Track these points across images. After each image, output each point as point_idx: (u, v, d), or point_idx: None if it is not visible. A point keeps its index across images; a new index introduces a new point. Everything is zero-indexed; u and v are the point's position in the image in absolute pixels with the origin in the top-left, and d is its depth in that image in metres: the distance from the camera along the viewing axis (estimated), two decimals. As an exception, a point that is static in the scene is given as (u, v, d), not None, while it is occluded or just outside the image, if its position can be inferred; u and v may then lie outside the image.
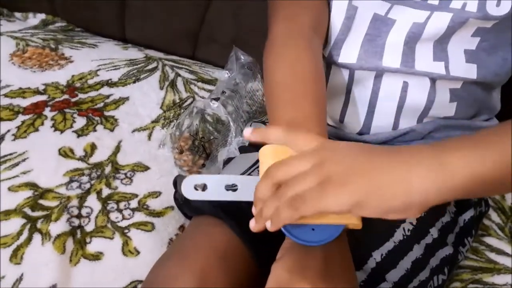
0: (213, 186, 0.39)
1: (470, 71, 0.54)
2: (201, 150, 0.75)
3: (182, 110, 0.80)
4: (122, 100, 0.79)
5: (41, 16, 1.04)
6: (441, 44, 0.53)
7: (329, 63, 0.57)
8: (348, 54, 0.55)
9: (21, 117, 0.73)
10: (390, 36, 0.53)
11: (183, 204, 0.58)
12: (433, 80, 0.54)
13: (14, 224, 0.60)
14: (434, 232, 0.53)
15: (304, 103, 0.46)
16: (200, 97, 0.84)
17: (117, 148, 0.71)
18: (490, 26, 0.51)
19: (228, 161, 0.64)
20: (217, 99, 0.70)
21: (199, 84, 0.87)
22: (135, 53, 0.92)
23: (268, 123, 0.49)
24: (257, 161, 0.54)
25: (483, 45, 0.53)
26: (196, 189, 0.39)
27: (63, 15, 1.05)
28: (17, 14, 1.06)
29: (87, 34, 1.01)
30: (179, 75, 0.88)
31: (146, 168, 0.69)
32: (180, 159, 0.72)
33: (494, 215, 0.67)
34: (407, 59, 0.53)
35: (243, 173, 0.58)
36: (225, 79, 0.80)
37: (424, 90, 0.54)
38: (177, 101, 0.81)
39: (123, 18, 0.99)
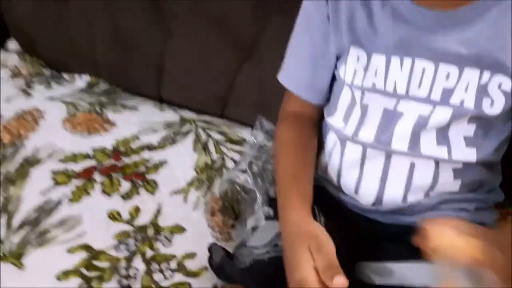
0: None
1: (470, 154, 0.60)
2: (231, 211, 0.83)
3: (213, 172, 0.89)
4: (161, 164, 0.89)
5: (87, 77, 1.15)
6: (442, 131, 0.59)
7: (345, 139, 0.65)
8: (364, 135, 0.63)
9: (74, 181, 0.84)
10: (398, 125, 0.60)
11: (218, 270, 0.67)
12: (437, 162, 0.60)
13: (72, 283, 0.70)
14: None
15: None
16: (229, 158, 0.93)
17: (158, 211, 0.80)
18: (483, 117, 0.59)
19: (255, 228, 0.72)
20: (244, 171, 0.79)
21: (228, 145, 0.95)
22: (171, 115, 1.02)
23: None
24: None
25: (479, 132, 0.60)
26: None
27: (105, 74, 1.15)
28: (65, 75, 1.18)
29: (127, 95, 1.11)
30: (210, 136, 0.96)
31: (183, 229, 0.78)
32: (212, 220, 0.81)
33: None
34: (413, 145, 0.60)
35: (268, 242, 0.66)
36: (251, 145, 0.89)
37: (429, 171, 0.60)
38: (209, 163, 0.90)
39: (160, 80, 1.09)
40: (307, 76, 0.67)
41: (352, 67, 0.61)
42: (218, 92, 1.04)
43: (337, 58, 0.65)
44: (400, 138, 0.61)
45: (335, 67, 0.66)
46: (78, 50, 1.14)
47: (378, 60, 0.59)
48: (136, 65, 1.09)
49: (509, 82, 0.55)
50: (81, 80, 1.15)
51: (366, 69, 0.60)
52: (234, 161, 0.92)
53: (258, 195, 0.75)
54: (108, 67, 1.13)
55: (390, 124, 0.61)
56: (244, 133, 0.99)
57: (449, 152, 0.59)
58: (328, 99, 0.69)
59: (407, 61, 0.58)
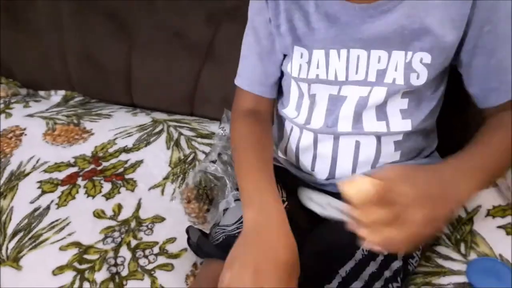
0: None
1: (406, 125, 0.67)
2: (205, 197, 0.92)
3: (186, 165, 0.97)
4: (138, 163, 0.96)
5: (62, 92, 1.23)
6: (380, 108, 0.66)
7: (299, 127, 0.74)
8: (315, 122, 0.70)
9: (60, 188, 0.92)
10: (343, 108, 0.67)
11: (196, 249, 0.75)
12: (378, 137, 0.67)
13: (67, 277, 0.77)
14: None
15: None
16: (200, 151, 1.01)
17: (139, 205, 0.88)
18: (413, 90, 0.66)
19: (226, 209, 0.80)
20: (214, 162, 0.87)
21: (199, 139, 1.03)
22: (143, 118, 1.10)
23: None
24: None
25: (412, 104, 0.68)
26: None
27: (79, 89, 1.23)
28: (41, 93, 1.25)
29: (102, 104, 1.19)
30: (182, 133, 1.05)
31: (163, 219, 0.86)
32: (189, 207, 0.89)
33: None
34: (356, 124, 0.67)
35: (237, 220, 0.74)
36: (220, 137, 0.97)
37: (372, 146, 0.68)
38: (182, 157, 0.98)
39: (130, 87, 1.17)
40: (258, 74, 0.73)
41: (297, 63, 0.67)
42: (184, 93, 1.12)
43: (283, 56, 0.72)
44: (344, 120, 0.67)
45: (282, 64, 0.72)
46: (51, 69, 1.21)
47: (319, 54, 0.65)
48: (106, 76, 1.16)
49: (428, 56, 0.62)
50: (56, 96, 1.23)
51: (309, 63, 0.66)
52: (205, 153, 1.00)
53: (227, 181, 0.83)
54: (81, 81, 1.21)
55: (336, 108, 0.67)
56: (213, 127, 1.07)
57: (388, 125, 0.66)
58: (280, 93, 0.76)
59: (343, 52, 0.64)
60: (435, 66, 0.63)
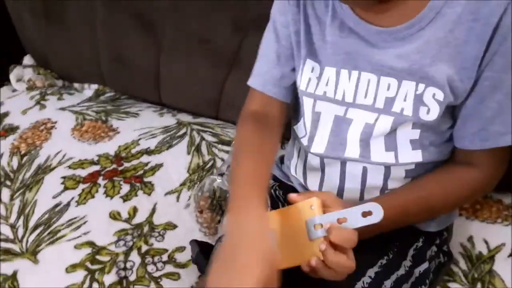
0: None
1: (416, 156, 0.63)
2: (218, 208, 0.92)
3: (204, 172, 0.98)
4: (158, 167, 0.98)
5: (94, 86, 1.26)
6: (390, 137, 0.62)
7: (306, 149, 0.71)
8: (318, 146, 0.67)
9: (81, 186, 0.95)
10: (349, 132, 0.64)
11: (195, 264, 0.76)
12: (388, 167, 0.64)
13: (78, 276, 0.80)
14: (387, 284, 0.64)
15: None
16: (220, 158, 1.01)
17: (153, 210, 0.90)
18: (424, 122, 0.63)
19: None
20: (222, 174, 0.87)
21: (219, 146, 1.03)
22: (169, 119, 1.11)
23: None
24: None
25: (424, 135, 0.64)
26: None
27: (110, 84, 1.25)
28: (76, 85, 1.29)
29: (131, 101, 1.21)
30: (204, 138, 1.05)
31: (175, 226, 0.87)
32: (201, 217, 0.90)
33: (462, 262, 0.78)
34: (364, 152, 0.64)
35: None
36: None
37: (380, 174, 0.65)
38: (201, 164, 0.99)
39: (158, 86, 1.18)
40: (273, 74, 0.69)
41: (307, 76, 0.65)
42: (209, 98, 1.13)
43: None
44: (352, 146, 0.64)
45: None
46: (85, 64, 1.25)
47: (330, 72, 0.64)
48: (136, 74, 1.19)
49: (441, 93, 0.60)
50: (90, 89, 1.26)
51: (319, 78, 0.64)
52: (223, 161, 1.00)
53: None
54: (112, 78, 1.24)
55: (341, 130, 0.64)
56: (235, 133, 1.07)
57: (396, 157, 0.63)
58: (296, 106, 0.74)
59: (354, 74, 0.62)
60: (449, 103, 0.61)
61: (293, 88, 0.70)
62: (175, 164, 0.99)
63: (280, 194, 0.78)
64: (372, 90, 0.61)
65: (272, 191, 0.79)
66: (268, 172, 0.63)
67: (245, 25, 1.00)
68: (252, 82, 0.72)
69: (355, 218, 0.51)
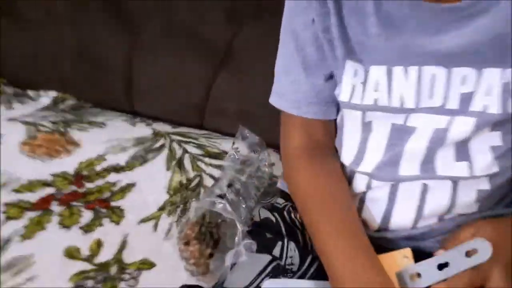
0: None
1: (495, 167, 0.51)
2: (208, 237, 0.73)
3: (188, 193, 0.79)
4: (129, 187, 0.80)
5: (53, 93, 1.06)
6: (463, 144, 0.50)
7: (350, 168, 0.56)
8: (367, 164, 0.54)
9: (28, 214, 0.74)
10: (409, 144, 0.51)
11: None
12: (455, 182, 0.52)
13: None
14: None
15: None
16: (208, 174, 0.83)
17: (123, 244, 0.71)
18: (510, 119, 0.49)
19: (235, 264, 0.61)
20: (222, 196, 0.68)
21: (207, 159, 0.86)
22: (143, 130, 0.93)
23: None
24: (268, 264, 0.55)
25: (507, 139, 0.50)
26: None
27: (72, 90, 1.07)
28: (30, 92, 1.09)
29: (97, 110, 1.02)
30: (187, 151, 0.87)
31: (152, 265, 0.68)
32: (187, 250, 0.70)
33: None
34: (427, 166, 0.51)
35: (251, 283, 0.55)
36: (232, 160, 0.78)
37: (446, 192, 0.52)
38: (184, 182, 0.81)
39: (131, 92, 1.01)
40: (304, 90, 0.56)
41: (348, 84, 0.53)
42: (194, 102, 0.97)
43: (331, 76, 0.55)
44: (410, 160, 0.52)
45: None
46: (42, 66, 1.07)
47: (378, 72, 0.51)
48: (104, 78, 1.02)
49: None
50: (47, 97, 1.06)
51: (364, 84, 0.52)
52: (214, 178, 0.82)
53: (238, 226, 0.64)
54: (74, 83, 1.06)
55: (401, 142, 0.52)
56: (225, 145, 0.90)
57: (471, 167, 0.51)
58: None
59: (413, 70, 0.49)
60: None
61: (334, 99, 0.57)
62: (151, 183, 0.81)
63: (297, 217, 0.61)
64: (440, 88, 0.49)
65: (285, 213, 0.62)
66: (355, 216, 0.54)
67: (239, 15, 0.89)
68: (279, 103, 0.58)
69: (459, 260, 0.44)
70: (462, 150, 0.50)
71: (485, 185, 0.52)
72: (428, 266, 0.46)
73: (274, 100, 0.58)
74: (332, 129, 0.59)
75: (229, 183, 0.71)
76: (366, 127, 0.53)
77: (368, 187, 0.55)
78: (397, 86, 0.50)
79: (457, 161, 0.51)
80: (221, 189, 0.70)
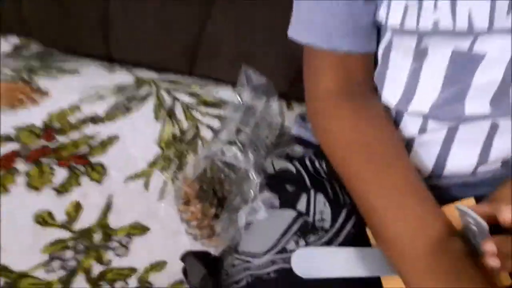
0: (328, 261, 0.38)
1: None
2: (212, 196, 0.62)
3: (183, 145, 0.68)
4: (111, 140, 0.68)
5: (13, 39, 0.92)
6: None
7: (399, 109, 0.46)
8: (421, 102, 0.44)
9: (-12, 175, 0.61)
10: (477, 76, 0.42)
11: None
12: None
13: (-19, 327, 0.47)
14: None
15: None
16: (204, 125, 0.72)
17: (108, 206, 0.60)
18: None
19: (250, 224, 0.50)
20: (232, 143, 0.56)
21: (202, 108, 0.76)
22: (123, 77, 0.81)
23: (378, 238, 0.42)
24: (294, 221, 0.45)
25: None
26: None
27: (39, 37, 0.93)
28: (-14, 39, 0.94)
29: (67, 57, 0.88)
30: (177, 99, 0.76)
31: (145, 229, 0.58)
32: (186, 211, 0.60)
33: None
34: (499, 101, 0.42)
35: (272, 247, 0.45)
36: (235, 107, 0.66)
37: None
38: (178, 134, 0.71)
39: (108, 36, 0.88)
40: (339, 14, 0.45)
41: (401, 1, 0.42)
42: (183, 44, 0.85)
43: None
44: (479, 95, 0.43)
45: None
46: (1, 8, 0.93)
47: None
48: (76, 23, 0.88)
49: None
50: (7, 43, 0.92)
51: (421, 2, 0.42)
52: (212, 130, 0.72)
53: (252, 175, 0.52)
54: (41, 26, 0.92)
55: (465, 74, 0.43)
56: (223, 92, 0.80)
57: None
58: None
59: None
60: None
61: (373, 26, 0.47)
62: (139, 135, 0.70)
63: (322, 166, 0.51)
64: None
65: (308, 162, 0.52)
66: (414, 169, 0.44)
67: None
68: (303, 36, 0.47)
69: None
70: None
71: None
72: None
73: (295, 33, 0.47)
74: (371, 66, 0.48)
75: (237, 129, 0.59)
76: (420, 55, 0.43)
77: (422, 130, 0.45)
78: (463, 3, 0.40)
79: None
80: (229, 135, 0.58)
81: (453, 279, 0.36)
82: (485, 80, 0.42)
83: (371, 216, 0.41)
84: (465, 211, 0.35)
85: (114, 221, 0.57)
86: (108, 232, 0.56)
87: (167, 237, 0.56)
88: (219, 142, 0.58)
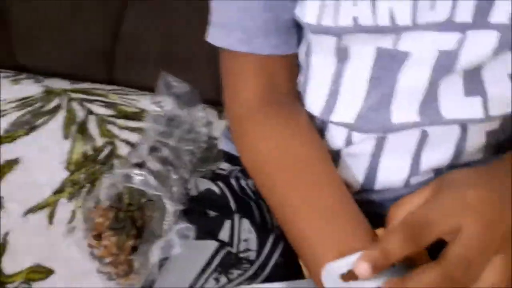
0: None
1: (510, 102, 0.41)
2: (130, 225, 0.55)
3: (97, 166, 0.61)
4: (9, 165, 0.60)
5: None
6: (474, 73, 0.39)
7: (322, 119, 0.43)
8: (345, 112, 0.42)
9: None
10: (402, 79, 0.39)
11: None
12: (464, 126, 0.41)
13: None
14: None
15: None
16: (123, 141, 0.65)
17: (2, 247, 0.52)
18: None
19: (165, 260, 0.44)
20: (141, 165, 0.49)
21: (120, 121, 0.68)
22: (30, 88, 0.73)
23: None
24: (215, 254, 0.42)
25: None
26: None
27: None
28: None
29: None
30: (91, 112, 0.69)
31: (48, 273, 0.51)
32: (99, 246, 0.52)
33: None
34: (428, 107, 0.40)
35: (198, 275, 0.41)
36: (154, 118, 0.60)
37: (450, 140, 0.42)
38: (90, 152, 0.63)
39: (10, 38, 0.79)
40: (259, 13, 0.42)
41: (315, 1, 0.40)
42: (99, 47, 0.79)
43: None
44: (405, 100, 0.40)
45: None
46: None
47: None
48: None
49: None
50: None
51: None
52: (131, 145, 0.65)
53: (166, 205, 0.46)
54: None
55: (389, 75, 0.40)
56: (145, 102, 0.72)
57: (485, 104, 0.40)
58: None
59: None
60: None
61: (294, 25, 0.44)
62: (43, 158, 0.63)
63: (248, 184, 0.48)
64: None
65: (233, 181, 0.49)
66: (344, 187, 0.40)
67: None
68: (221, 40, 0.44)
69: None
70: (473, 81, 0.39)
71: (497, 127, 0.42)
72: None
73: (214, 37, 0.44)
74: (294, 71, 0.45)
75: (151, 147, 0.52)
76: (340, 56, 0.41)
77: (348, 142, 0.43)
78: None
79: (466, 96, 0.40)
80: (140, 156, 0.51)
81: None
82: (411, 83, 0.39)
83: (301, 245, 0.36)
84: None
85: (9, 265, 0.50)
86: (1, 280, 0.48)
87: (74, 280, 0.49)
88: (126, 165, 0.51)
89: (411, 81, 0.40)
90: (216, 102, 0.72)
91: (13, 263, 0.50)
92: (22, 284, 0.48)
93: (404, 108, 0.40)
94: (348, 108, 0.41)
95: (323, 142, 0.42)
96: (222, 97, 0.46)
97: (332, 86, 0.41)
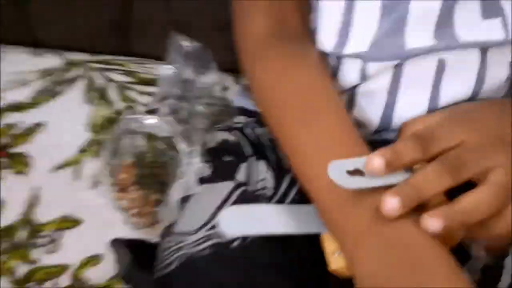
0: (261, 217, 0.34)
1: None
2: (152, 180, 0.57)
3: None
4: (35, 129, 0.62)
5: None
6: None
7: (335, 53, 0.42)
8: (358, 42, 0.40)
9: None
10: (414, 1, 0.38)
11: (127, 281, 0.40)
12: (484, 50, 0.40)
13: None
14: None
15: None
16: (142, 104, 0.66)
17: (34, 200, 0.54)
18: None
19: (185, 199, 0.45)
20: (153, 111, 0.51)
21: (139, 87, 0.70)
22: (51, 60, 0.74)
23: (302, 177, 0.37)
24: (232, 191, 0.41)
25: None
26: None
27: None
28: None
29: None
30: (111, 79, 0.70)
31: (77, 222, 0.53)
32: (124, 198, 0.54)
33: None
34: (443, 30, 0.39)
35: (214, 213, 0.41)
36: (165, 79, 0.61)
37: (471, 68, 0.40)
38: (113, 115, 0.65)
39: (29, 20, 0.79)
40: None
41: None
42: (115, 20, 0.78)
43: None
44: (420, 24, 0.39)
45: None
46: None
47: None
48: None
49: None
50: None
51: None
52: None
53: (179, 145, 0.48)
54: None
55: (401, 1, 0.39)
56: (162, 69, 0.71)
57: (505, 26, 0.39)
58: None
59: None
60: None
61: None
62: (66, 121, 0.64)
63: (265, 132, 0.47)
64: None
65: (248, 129, 0.48)
66: (351, 123, 0.38)
67: None
68: None
69: None
70: (491, 2, 0.38)
71: None
72: None
73: None
74: (306, 8, 0.44)
75: (162, 97, 0.54)
76: None
77: (363, 76, 0.41)
78: None
79: (484, 19, 0.38)
80: (153, 104, 0.53)
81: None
82: (425, 4, 0.38)
83: (303, 181, 0.36)
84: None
85: (42, 214, 0.52)
86: (35, 228, 0.51)
87: (101, 229, 0.51)
88: (136, 112, 0.53)
89: (425, 2, 0.39)
90: (232, 69, 0.73)
91: (45, 214, 0.53)
92: (55, 232, 0.51)
93: (419, 32, 0.39)
94: (361, 37, 0.40)
95: (333, 80, 0.42)
96: (238, 64, 0.47)
97: (344, 18, 0.41)
